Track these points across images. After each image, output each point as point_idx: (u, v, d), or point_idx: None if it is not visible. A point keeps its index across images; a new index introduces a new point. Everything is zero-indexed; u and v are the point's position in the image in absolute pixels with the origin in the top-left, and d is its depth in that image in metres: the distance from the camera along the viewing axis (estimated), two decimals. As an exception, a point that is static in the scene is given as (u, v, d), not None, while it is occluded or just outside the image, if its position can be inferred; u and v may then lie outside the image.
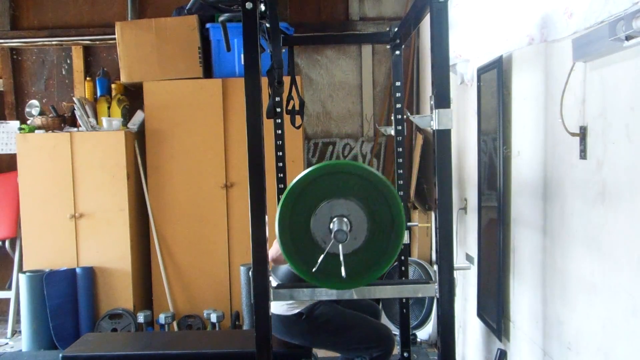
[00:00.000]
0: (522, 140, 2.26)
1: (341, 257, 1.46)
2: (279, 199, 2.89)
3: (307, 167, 4.49)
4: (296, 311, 2.53)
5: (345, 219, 1.48)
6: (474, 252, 2.90)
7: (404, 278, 2.98)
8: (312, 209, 1.51)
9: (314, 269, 1.49)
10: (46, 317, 3.90)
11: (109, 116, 4.22)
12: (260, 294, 1.72)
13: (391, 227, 1.52)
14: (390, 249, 1.52)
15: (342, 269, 1.46)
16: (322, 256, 1.47)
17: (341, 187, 1.51)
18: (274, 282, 2.50)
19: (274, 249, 2.35)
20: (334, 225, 1.48)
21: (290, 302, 2.50)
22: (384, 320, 4.18)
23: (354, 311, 2.68)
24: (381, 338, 2.55)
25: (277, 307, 2.55)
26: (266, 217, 1.74)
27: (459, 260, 3.21)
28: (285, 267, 2.57)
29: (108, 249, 4.03)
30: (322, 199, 1.51)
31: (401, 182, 2.92)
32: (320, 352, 3.60)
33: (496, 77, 2.40)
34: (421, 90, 4.46)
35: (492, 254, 2.58)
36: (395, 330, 3.89)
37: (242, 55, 1.70)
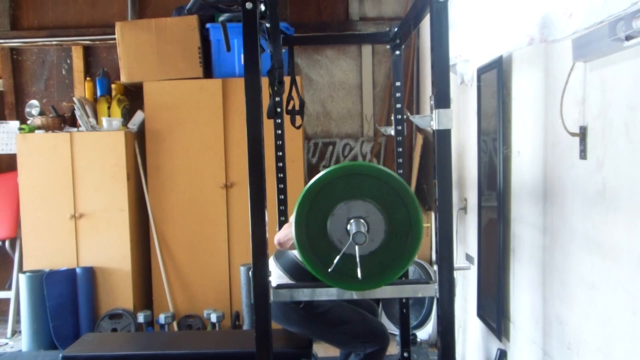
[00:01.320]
0: (522, 140, 2.27)
1: (357, 259, 1.46)
2: (279, 199, 2.89)
3: (307, 167, 4.52)
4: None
5: (362, 220, 1.48)
6: (474, 252, 2.90)
7: (404, 278, 2.98)
8: (329, 210, 1.51)
9: (330, 269, 1.49)
10: (46, 317, 3.90)
11: (109, 116, 4.22)
12: (260, 294, 1.73)
13: (409, 229, 1.52)
14: (407, 252, 1.53)
15: (359, 270, 1.46)
16: (338, 257, 1.47)
17: (359, 189, 1.51)
18: (274, 267, 2.50)
19: (283, 233, 2.35)
20: (351, 227, 1.48)
21: None
22: (384, 320, 4.18)
23: (352, 306, 2.68)
24: (377, 335, 2.55)
25: None
26: (266, 217, 1.74)
27: (459, 260, 3.21)
28: (290, 254, 2.56)
29: (108, 249, 4.03)
30: (340, 200, 1.51)
31: (401, 182, 2.92)
32: (320, 352, 3.60)
33: (496, 77, 2.40)
34: (421, 90, 4.46)
35: (492, 254, 2.58)
36: (395, 330, 3.89)
37: (242, 55, 1.71)
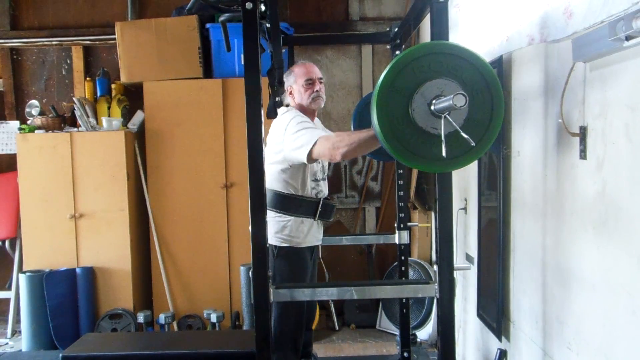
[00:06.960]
0: (522, 140, 2.27)
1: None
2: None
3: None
4: (275, 243, 2.44)
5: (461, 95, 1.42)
6: (474, 252, 2.90)
7: (404, 278, 2.98)
8: (413, 88, 1.49)
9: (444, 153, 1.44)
10: (46, 317, 3.90)
11: (109, 116, 4.21)
12: (260, 294, 1.73)
13: (490, 108, 1.50)
14: (489, 131, 1.50)
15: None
16: (444, 132, 1.42)
17: (442, 68, 1.49)
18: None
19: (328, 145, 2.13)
20: (441, 99, 1.44)
21: (281, 235, 2.42)
22: (384, 320, 4.18)
23: (300, 309, 2.57)
24: (280, 343, 2.48)
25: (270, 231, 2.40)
26: (266, 217, 1.74)
27: (459, 260, 3.21)
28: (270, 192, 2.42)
29: (108, 249, 4.03)
30: (425, 80, 1.49)
31: (401, 182, 2.92)
32: (320, 352, 3.60)
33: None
34: (421, 90, 4.45)
35: (492, 254, 2.58)
36: (395, 331, 3.89)
37: (242, 55, 1.71)
